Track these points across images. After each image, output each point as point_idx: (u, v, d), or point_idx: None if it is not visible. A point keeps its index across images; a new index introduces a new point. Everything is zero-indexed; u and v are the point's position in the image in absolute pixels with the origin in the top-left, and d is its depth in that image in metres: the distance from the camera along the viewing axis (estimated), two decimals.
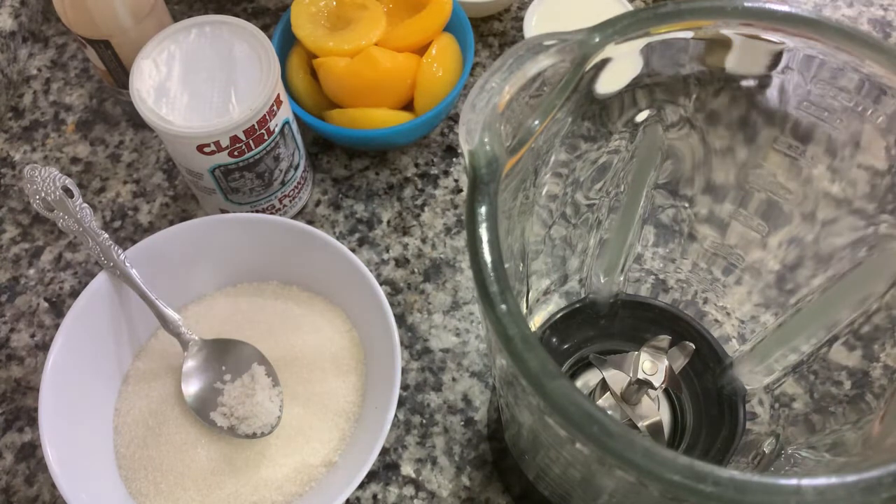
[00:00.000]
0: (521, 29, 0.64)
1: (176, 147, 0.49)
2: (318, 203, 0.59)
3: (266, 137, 0.50)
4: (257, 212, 0.55)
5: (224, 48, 0.50)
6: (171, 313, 0.48)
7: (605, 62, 0.33)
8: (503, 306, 0.28)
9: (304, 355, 0.49)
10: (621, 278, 0.46)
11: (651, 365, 0.40)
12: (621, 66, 0.33)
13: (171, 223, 0.58)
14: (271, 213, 0.55)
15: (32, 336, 0.55)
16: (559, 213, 0.42)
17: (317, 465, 0.47)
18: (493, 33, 0.66)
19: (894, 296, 0.35)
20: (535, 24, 0.61)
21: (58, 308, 0.56)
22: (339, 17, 0.57)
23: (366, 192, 0.59)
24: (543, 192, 0.39)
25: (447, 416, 0.51)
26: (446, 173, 0.60)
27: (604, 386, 0.43)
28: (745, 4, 0.32)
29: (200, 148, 0.48)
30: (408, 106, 0.57)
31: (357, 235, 0.58)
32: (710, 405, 0.46)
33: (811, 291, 0.40)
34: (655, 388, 0.41)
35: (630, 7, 0.62)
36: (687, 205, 0.43)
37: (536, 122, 0.32)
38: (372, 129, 0.55)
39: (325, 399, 0.48)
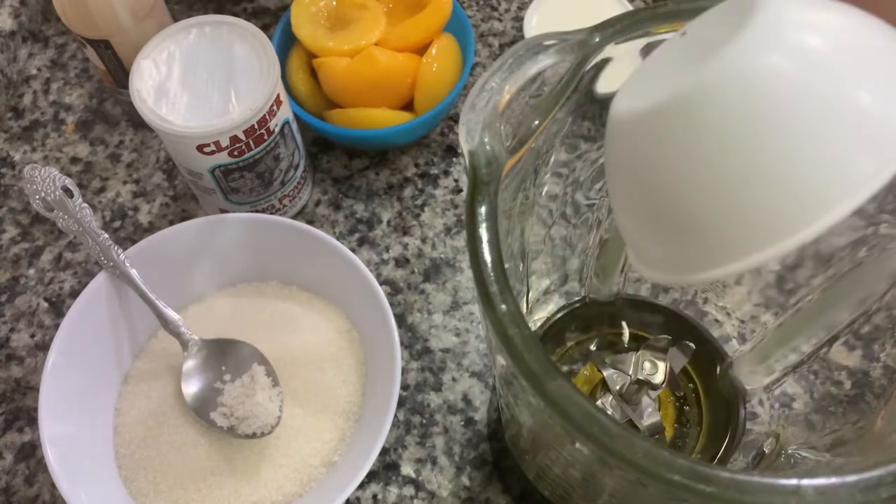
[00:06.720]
0: (521, 29, 0.64)
1: (176, 147, 0.50)
2: (318, 203, 0.59)
3: (266, 137, 0.50)
4: (257, 212, 0.55)
5: (224, 48, 0.50)
6: (171, 313, 0.48)
7: (605, 62, 0.33)
8: (503, 306, 0.28)
9: (304, 355, 0.49)
10: (621, 278, 0.46)
11: (651, 365, 0.40)
12: (621, 66, 0.33)
13: (171, 223, 0.58)
14: (271, 213, 0.55)
15: (32, 336, 0.55)
16: (559, 213, 0.42)
17: (317, 465, 0.47)
18: (493, 33, 0.66)
19: (894, 296, 0.35)
20: (535, 24, 0.61)
21: (58, 308, 0.56)
22: (339, 17, 0.57)
23: (366, 192, 0.59)
24: (543, 192, 0.39)
25: (447, 416, 0.51)
26: (446, 173, 0.60)
27: (604, 386, 0.43)
28: None
29: (200, 148, 0.48)
30: (408, 106, 0.57)
31: (357, 235, 0.58)
32: (710, 405, 0.46)
33: (811, 291, 0.40)
34: (655, 388, 0.41)
35: (630, 7, 0.62)
36: None
37: (536, 122, 0.32)
38: (372, 129, 0.55)
39: (325, 399, 0.48)
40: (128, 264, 0.47)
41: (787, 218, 0.23)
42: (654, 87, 0.26)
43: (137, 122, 0.62)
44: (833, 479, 0.24)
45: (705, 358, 0.46)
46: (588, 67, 0.33)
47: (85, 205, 0.48)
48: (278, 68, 0.49)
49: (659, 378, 0.40)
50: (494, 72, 0.31)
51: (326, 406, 0.48)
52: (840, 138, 0.23)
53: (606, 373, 0.43)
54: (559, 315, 0.48)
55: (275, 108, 0.49)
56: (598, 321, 0.48)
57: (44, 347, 0.54)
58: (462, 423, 0.51)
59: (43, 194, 0.48)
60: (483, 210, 0.29)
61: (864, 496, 0.24)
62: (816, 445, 0.39)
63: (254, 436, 0.46)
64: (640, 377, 0.40)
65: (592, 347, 0.48)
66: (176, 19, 0.53)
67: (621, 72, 0.32)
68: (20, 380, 0.53)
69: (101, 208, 0.59)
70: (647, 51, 0.33)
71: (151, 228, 0.58)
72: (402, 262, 0.56)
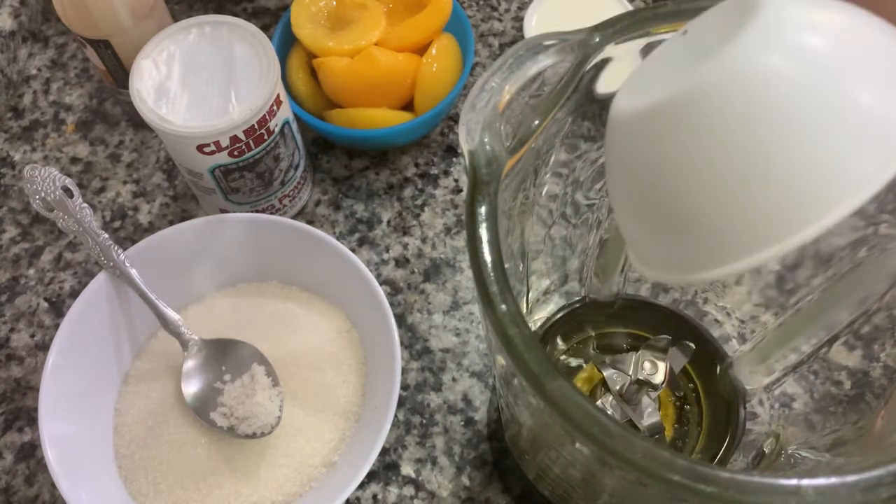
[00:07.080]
0: (521, 29, 0.64)
1: (176, 147, 0.50)
2: (318, 203, 0.59)
3: (266, 137, 0.50)
4: (257, 212, 0.55)
5: (224, 48, 0.50)
6: (171, 313, 0.48)
7: (605, 62, 0.33)
8: (503, 306, 0.28)
9: (304, 355, 0.49)
10: (621, 278, 0.46)
11: (651, 365, 0.40)
12: (621, 65, 0.33)
13: (171, 223, 0.58)
14: (271, 213, 0.55)
15: (32, 336, 0.55)
16: (559, 213, 0.42)
17: (317, 465, 0.47)
18: (493, 33, 0.66)
19: (894, 296, 0.35)
20: (535, 24, 0.61)
21: (58, 308, 0.56)
22: (339, 17, 0.57)
23: (366, 192, 0.59)
24: (543, 192, 0.39)
25: (447, 416, 0.51)
26: (446, 173, 0.60)
27: (604, 386, 0.43)
28: None
29: (200, 148, 0.48)
30: (408, 106, 0.57)
31: (357, 235, 0.58)
32: (710, 405, 0.46)
33: (811, 291, 0.40)
34: (655, 388, 0.41)
35: (630, 7, 0.62)
36: None
37: (536, 122, 0.32)
38: (372, 129, 0.55)
39: (325, 399, 0.48)
40: (128, 264, 0.47)
41: (787, 218, 0.23)
42: (654, 86, 0.26)
43: (137, 122, 0.62)
44: (833, 479, 0.24)
45: (705, 358, 0.46)
46: (588, 67, 0.33)
47: (85, 205, 0.48)
48: (278, 68, 0.49)
49: (659, 378, 0.40)
50: (494, 72, 0.31)
51: (326, 406, 0.48)
52: (840, 138, 0.23)
53: (606, 373, 0.43)
54: (559, 315, 0.48)
55: (275, 108, 0.49)
56: (598, 321, 0.48)
57: (44, 347, 0.54)
58: (462, 423, 0.51)
59: (43, 194, 0.48)
60: (483, 210, 0.29)
61: (864, 496, 0.24)
62: (816, 445, 0.39)
63: (254, 436, 0.46)
64: (640, 377, 0.40)
65: (592, 348, 0.48)
66: (176, 19, 0.53)
67: (621, 72, 0.32)
68: (20, 380, 0.53)
69: (101, 208, 0.59)
70: (647, 51, 0.33)
71: (151, 228, 0.58)
72: (402, 262, 0.56)
